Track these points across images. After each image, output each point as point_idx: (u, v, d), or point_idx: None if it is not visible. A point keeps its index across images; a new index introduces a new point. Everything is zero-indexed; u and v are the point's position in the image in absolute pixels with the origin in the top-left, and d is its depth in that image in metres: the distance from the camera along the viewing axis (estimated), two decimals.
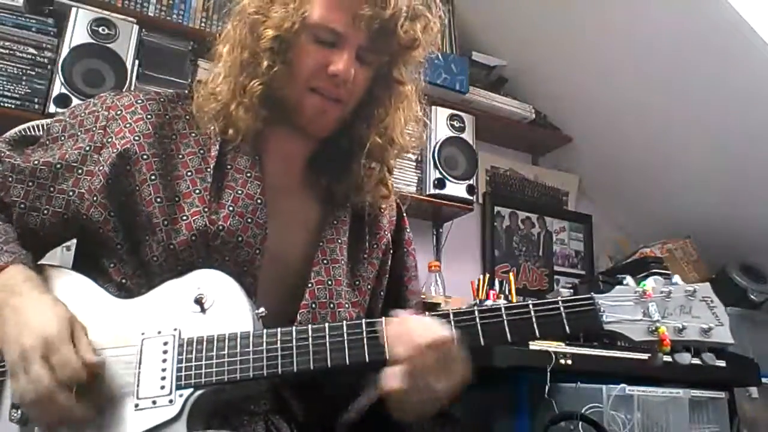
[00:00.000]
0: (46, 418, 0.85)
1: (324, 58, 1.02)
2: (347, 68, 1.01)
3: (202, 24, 2.51)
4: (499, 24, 3.09)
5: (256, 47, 1.01)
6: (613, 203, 3.43)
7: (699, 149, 2.84)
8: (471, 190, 2.76)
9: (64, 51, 2.14)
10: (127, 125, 1.03)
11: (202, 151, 1.05)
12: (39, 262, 1.02)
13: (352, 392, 1.02)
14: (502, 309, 0.91)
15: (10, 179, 1.01)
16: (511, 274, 2.98)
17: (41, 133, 1.10)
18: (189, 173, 1.02)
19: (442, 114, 2.76)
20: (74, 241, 1.10)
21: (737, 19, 2.29)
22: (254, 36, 1.02)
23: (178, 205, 0.99)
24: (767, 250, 2.86)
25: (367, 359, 0.89)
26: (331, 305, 1.04)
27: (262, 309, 0.94)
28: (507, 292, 2.68)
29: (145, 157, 1.01)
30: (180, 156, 1.03)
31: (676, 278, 0.95)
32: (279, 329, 0.90)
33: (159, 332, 0.91)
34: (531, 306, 0.92)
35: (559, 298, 0.93)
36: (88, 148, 1.02)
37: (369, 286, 1.14)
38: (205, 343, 0.90)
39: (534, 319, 0.91)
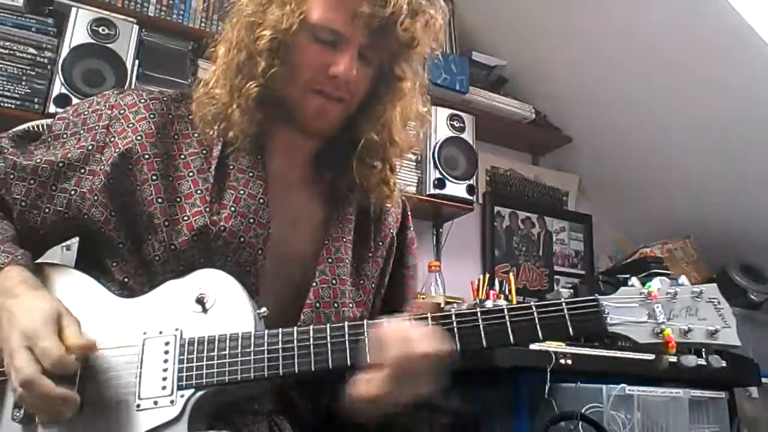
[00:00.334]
0: (34, 409, 0.84)
1: (324, 59, 1.01)
2: (348, 69, 1.00)
3: (202, 24, 2.51)
4: (499, 24, 3.09)
5: (252, 48, 1.00)
6: (613, 203, 3.43)
7: (699, 149, 2.84)
8: (471, 190, 2.76)
9: (64, 51, 2.14)
10: (130, 125, 1.03)
11: (204, 152, 1.04)
12: (39, 261, 1.02)
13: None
14: (505, 311, 0.90)
15: (11, 177, 1.01)
16: (511, 274, 2.98)
17: (44, 131, 1.10)
18: (191, 173, 1.02)
19: (442, 114, 2.76)
20: (75, 240, 1.09)
21: (737, 19, 2.29)
22: (251, 37, 1.01)
23: (180, 205, 0.99)
24: (767, 250, 2.86)
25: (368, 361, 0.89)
26: (335, 304, 1.04)
27: (263, 309, 0.94)
28: (507, 292, 2.68)
29: (147, 156, 1.01)
30: (182, 156, 1.03)
31: (683, 279, 0.93)
32: (280, 330, 0.90)
33: (160, 332, 0.91)
34: (534, 308, 0.90)
35: (563, 299, 0.91)
36: (90, 147, 1.02)
37: (373, 285, 1.14)
38: (206, 343, 0.89)
39: (537, 321, 0.89)
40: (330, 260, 1.07)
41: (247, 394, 0.96)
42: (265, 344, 0.89)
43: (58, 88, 2.11)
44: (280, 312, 0.97)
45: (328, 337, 0.89)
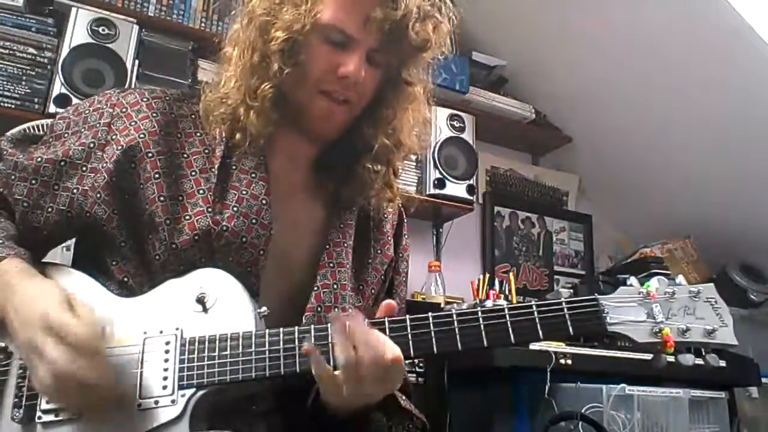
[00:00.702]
0: (66, 400, 0.83)
1: (334, 60, 1.01)
2: (357, 70, 1.01)
3: (202, 24, 2.51)
4: (499, 24, 3.09)
5: (266, 49, 1.00)
6: (613, 203, 3.43)
7: (699, 149, 2.84)
8: (471, 190, 2.77)
9: (64, 51, 2.14)
10: (132, 123, 1.02)
11: (207, 151, 1.04)
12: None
13: None
14: (506, 310, 0.91)
15: (12, 177, 1.01)
16: (511, 274, 2.98)
17: (44, 131, 1.09)
18: (193, 173, 1.02)
19: (442, 114, 2.77)
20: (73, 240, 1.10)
21: (737, 19, 2.29)
22: (264, 38, 1.01)
23: (182, 204, 0.99)
24: (767, 250, 2.86)
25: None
26: (336, 309, 1.04)
27: (264, 308, 0.94)
28: (507, 292, 2.68)
29: (150, 155, 1.00)
30: (185, 155, 1.03)
31: (680, 279, 0.94)
32: (281, 329, 0.90)
33: (161, 332, 0.91)
34: (534, 307, 0.91)
35: (563, 299, 0.92)
36: (92, 145, 1.02)
37: (373, 291, 1.14)
38: (207, 342, 0.89)
39: (538, 321, 0.90)
40: (331, 265, 1.07)
41: (248, 394, 0.96)
42: (266, 343, 0.89)
43: (58, 88, 2.11)
44: (281, 314, 0.97)
45: (330, 336, 0.89)
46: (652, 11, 2.49)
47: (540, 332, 0.90)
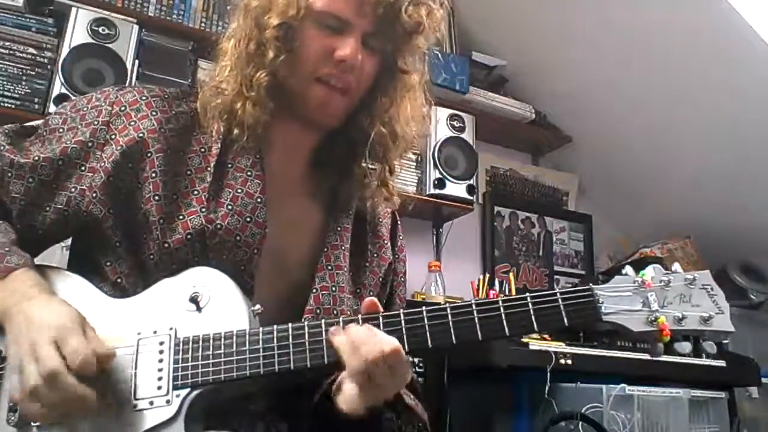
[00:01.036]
0: (49, 405, 0.81)
1: (330, 44, 1.01)
2: (354, 53, 1.01)
3: (202, 24, 2.52)
4: (499, 24, 3.09)
5: (261, 37, 1.01)
6: (613, 203, 3.43)
7: (699, 149, 2.84)
8: (471, 190, 2.76)
9: (64, 51, 2.14)
10: (132, 123, 1.02)
11: (203, 150, 1.04)
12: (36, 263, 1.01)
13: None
14: (500, 303, 0.89)
15: (8, 174, 1.00)
16: (511, 274, 2.98)
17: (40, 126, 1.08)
18: (189, 172, 1.02)
19: (442, 114, 2.76)
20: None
21: (737, 19, 2.29)
22: (259, 26, 1.01)
23: (177, 203, 0.99)
24: (767, 250, 2.85)
25: None
26: (335, 312, 1.03)
27: (258, 306, 0.93)
28: (507, 292, 2.68)
29: (148, 154, 1.00)
30: (182, 154, 1.03)
31: (676, 266, 0.93)
32: (275, 326, 0.90)
33: (155, 332, 0.91)
34: (529, 298, 0.89)
35: (558, 289, 0.91)
36: (90, 144, 1.01)
37: (371, 294, 1.13)
38: (201, 342, 0.89)
39: (532, 312, 0.89)
40: (329, 267, 1.07)
41: (244, 393, 0.96)
42: (260, 341, 0.89)
43: (58, 88, 2.11)
44: (279, 313, 0.97)
45: (323, 333, 0.88)
46: (652, 11, 2.48)
47: (535, 324, 0.89)
